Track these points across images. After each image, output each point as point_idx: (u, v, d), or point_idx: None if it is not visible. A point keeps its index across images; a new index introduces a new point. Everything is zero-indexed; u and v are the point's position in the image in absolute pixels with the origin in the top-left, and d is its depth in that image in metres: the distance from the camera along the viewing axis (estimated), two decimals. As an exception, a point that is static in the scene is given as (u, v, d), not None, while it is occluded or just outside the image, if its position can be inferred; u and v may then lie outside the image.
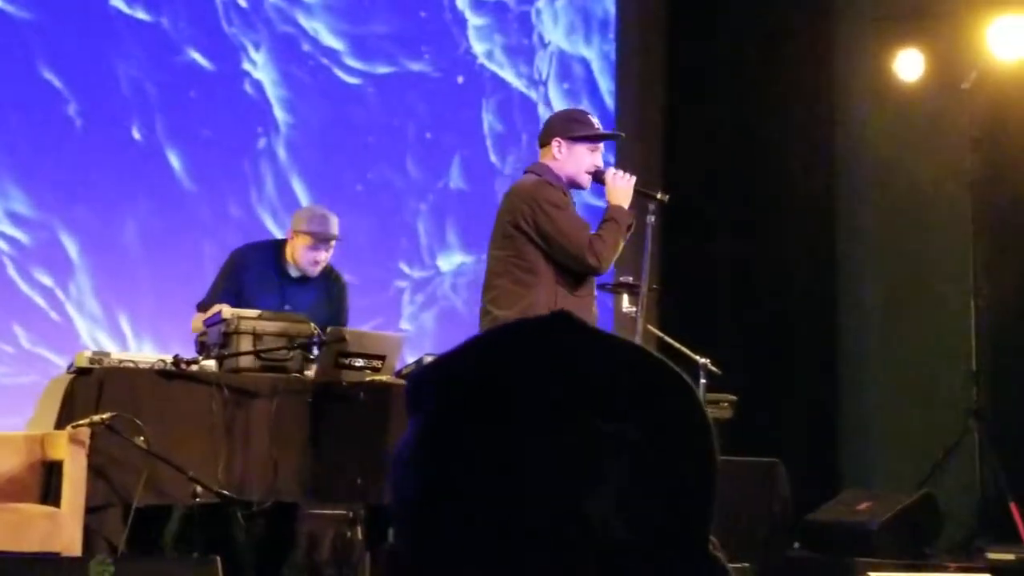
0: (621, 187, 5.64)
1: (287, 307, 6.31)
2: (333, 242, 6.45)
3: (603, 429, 0.85)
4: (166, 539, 5.66)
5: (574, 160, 5.68)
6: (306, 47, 8.72)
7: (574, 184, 5.69)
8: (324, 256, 6.42)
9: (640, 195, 5.68)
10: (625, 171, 5.74)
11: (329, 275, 6.55)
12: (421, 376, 0.93)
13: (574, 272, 5.52)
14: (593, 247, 5.45)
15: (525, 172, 5.76)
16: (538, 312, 5.50)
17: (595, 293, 5.68)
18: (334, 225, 6.44)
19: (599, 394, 0.87)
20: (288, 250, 6.45)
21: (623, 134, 6.16)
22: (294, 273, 6.44)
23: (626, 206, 5.63)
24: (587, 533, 0.85)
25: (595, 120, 5.80)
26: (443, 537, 0.87)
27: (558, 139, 5.68)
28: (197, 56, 8.41)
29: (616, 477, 0.85)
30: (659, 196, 5.74)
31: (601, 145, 5.79)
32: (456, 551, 0.87)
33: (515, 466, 0.85)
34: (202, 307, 6.28)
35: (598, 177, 5.67)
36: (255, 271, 6.42)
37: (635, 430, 0.86)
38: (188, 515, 5.68)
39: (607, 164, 5.89)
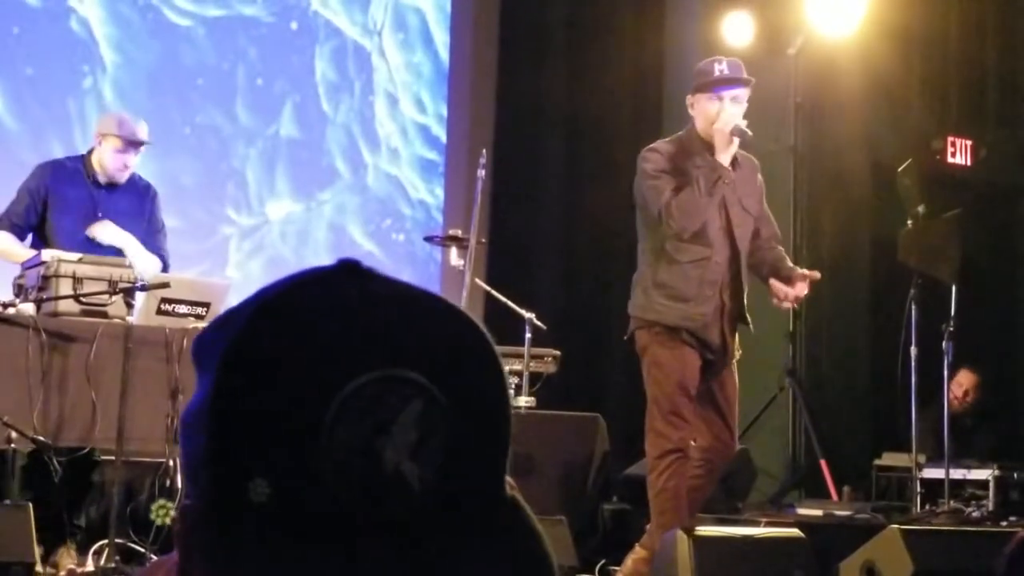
0: (717, 136, 5.11)
1: (100, 214, 6.22)
2: (142, 147, 6.36)
3: (391, 374, 0.86)
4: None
5: (702, 114, 5.18)
6: (136, -14, 8.53)
7: (713, 141, 5.13)
8: (133, 160, 6.33)
9: (737, 136, 5.13)
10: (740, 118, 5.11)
11: (139, 184, 6.46)
12: (208, 334, 0.93)
13: (684, 238, 5.12)
14: (662, 211, 5.05)
15: None
16: (644, 283, 5.20)
17: (713, 255, 5.21)
18: (144, 130, 6.36)
19: (386, 341, 0.88)
20: (95, 157, 6.31)
21: (751, 79, 5.11)
22: (103, 180, 6.31)
23: (721, 156, 5.11)
24: (382, 480, 0.86)
25: (719, 65, 5.19)
26: (235, 497, 0.87)
27: (689, 96, 5.26)
28: (21, -10, 8.17)
29: (408, 419, 0.86)
30: (747, 133, 5.17)
31: (728, 92, 5.13)
32: (250, 511, 0.87)
33: (305, 418, 0.86)
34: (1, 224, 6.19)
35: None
36: (63, 178, 6.28)
37: (425, 376, 0.88)
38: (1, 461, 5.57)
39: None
